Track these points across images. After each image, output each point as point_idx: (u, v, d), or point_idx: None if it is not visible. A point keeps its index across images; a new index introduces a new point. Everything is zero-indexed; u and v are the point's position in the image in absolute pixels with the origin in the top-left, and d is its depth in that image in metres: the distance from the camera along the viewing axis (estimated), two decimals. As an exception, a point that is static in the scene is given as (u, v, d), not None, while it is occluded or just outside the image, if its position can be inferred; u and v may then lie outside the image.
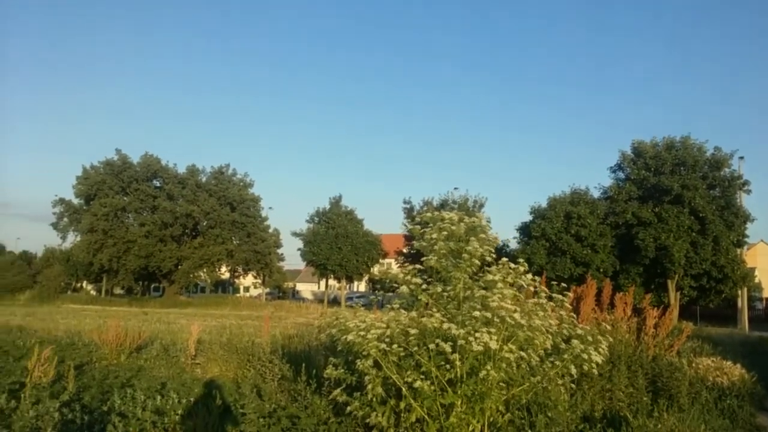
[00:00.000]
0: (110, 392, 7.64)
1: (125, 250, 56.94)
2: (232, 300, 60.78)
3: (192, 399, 7.20)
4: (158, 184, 62.30)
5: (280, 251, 67.06)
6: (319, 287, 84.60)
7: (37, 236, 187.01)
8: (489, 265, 5.69)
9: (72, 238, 62.56)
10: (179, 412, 6.68)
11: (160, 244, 58.03)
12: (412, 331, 5.08)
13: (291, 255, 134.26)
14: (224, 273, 72.79)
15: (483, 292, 5.29)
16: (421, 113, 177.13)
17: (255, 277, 72.94)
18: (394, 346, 5.13)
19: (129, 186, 59.71)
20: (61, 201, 61.29)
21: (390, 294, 6.15)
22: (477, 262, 5.53)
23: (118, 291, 73.72)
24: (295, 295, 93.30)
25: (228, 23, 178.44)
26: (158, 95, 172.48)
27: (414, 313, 5.52)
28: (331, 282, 65.76)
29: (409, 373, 5.07)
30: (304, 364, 7.36)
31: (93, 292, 73.85)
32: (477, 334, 4.84)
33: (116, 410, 6.61)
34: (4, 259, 74.24)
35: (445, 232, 5.55)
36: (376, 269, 63.69)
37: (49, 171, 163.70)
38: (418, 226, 6.07)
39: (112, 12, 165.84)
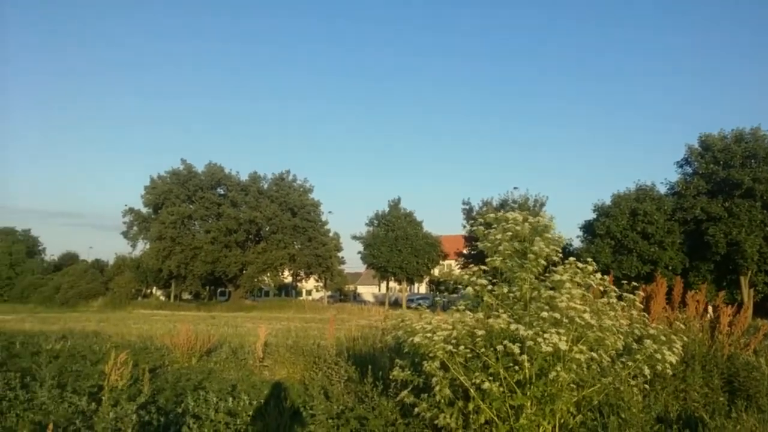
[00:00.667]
0: (183, 394, 7.81)
1: (192, 256, 58.64)
2: (295, 303, 61.89)
3: (262, 401, 7.36)
4: (222, 192, 63.97)
5: (340, 254, 67.74)
6: (379, 289, 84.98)
7: (108, 245, 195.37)
8: (555, 265, 5.63)
9: (142, 246, 65.08)
10: (250, 413, 6.83)
11: (225, 250, 59.51)
12: (479, 333, 5.06)
13: (351, 258, 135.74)
14: (287, 277, 73.99)
15: (550, 292, 5.23)
16: (478, 113, 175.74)
17: (317, 281, 73.86)
18: (461, 347, 5.12)
19: (194, 194, 61.54)
20: (131, 210, 63.72)
21: (454, 295, 6.13)
22: (543, 262, 5.47)
23: (186, 296, 75.79)
24: (356, 297, 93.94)
25: (284, 30, 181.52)
26: (218, 104, 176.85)
27: (480, 314, 5.50)
28: (392, 284, 65.97)
29: (477, 374, 5.05)
30: (370, 366, 7.41)
31: (162, 298, 76.37)
32: (546, 335, 4.79)
33: (190, 412, 6.78)
34: (78, 267, 77.32)
35: (510, 233, 5.51)
36: (436, 271, 63.57)
37: (119, 182, 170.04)
38: (482, 227, 6.04)
39: (174, 23, 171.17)
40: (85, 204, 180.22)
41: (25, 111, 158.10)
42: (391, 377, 6.14)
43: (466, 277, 5.61)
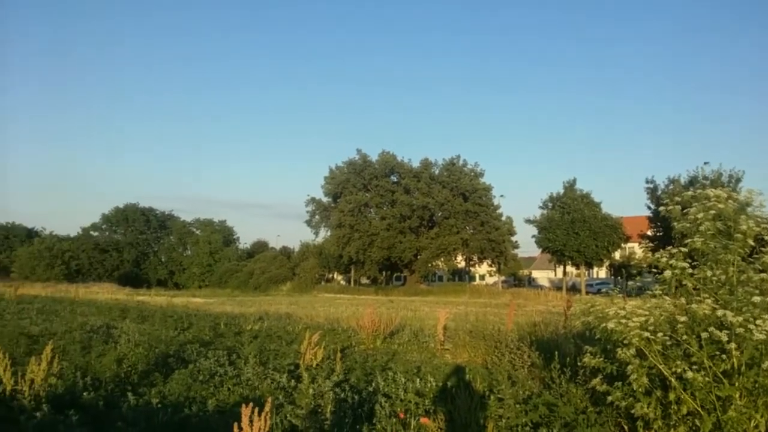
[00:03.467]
0: (372, 374, 8.13)
1: (369, 242, 60.90)
2: (469, 288, 62.01)
3: (448, 383, 7.48)
4: (395, 179, 65.59)
5: (514, 239, 66.57)
6: (555, 274, 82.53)
7: (294, 232, 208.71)
8: (764, 245, 5.13)
9: (323, 233, 68.79)
10: (436, 394, 6.98)
11: (400, 236, 61.09)
12: (681, 319, 4.75)
13: (525, 242, 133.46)
14: (460, 262, 74.33)
15: (762, 275, 4.78)
16: (659, 89, 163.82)
17: (490, 266, 73.38)
18: (659, 334, 4.84)
19: (370, 183, 63.76)
20: (313, 200, 67.59)
21: (647, 280, 5.81)
22: (751, 242, 5.01)
23: (364, 281, 78.89)
24: (531, 282, 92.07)
25: (454, 18, 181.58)
26: (390, 92, 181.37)
27: (682, 300, 5.16)
28: (569, 269, 63.75)
29: (678, 363, 4.75)
30: (555, 352, 7.25)
31: (342, 282, 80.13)
32: (758, 322, 4.39)
33: (381, 391, 7.08)
34: (268, 254, 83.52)
35: (713, 211, 5.10)
36: (617, 254, 60.42)
37: (301, 173, 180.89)
38: (678, 206, 5.65)
39: (352, 12, 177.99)
40: (273, 196, 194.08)
41: (217, 110, 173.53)
42: (580, 363, 5.98)
43: (664, 259, 5.28)
